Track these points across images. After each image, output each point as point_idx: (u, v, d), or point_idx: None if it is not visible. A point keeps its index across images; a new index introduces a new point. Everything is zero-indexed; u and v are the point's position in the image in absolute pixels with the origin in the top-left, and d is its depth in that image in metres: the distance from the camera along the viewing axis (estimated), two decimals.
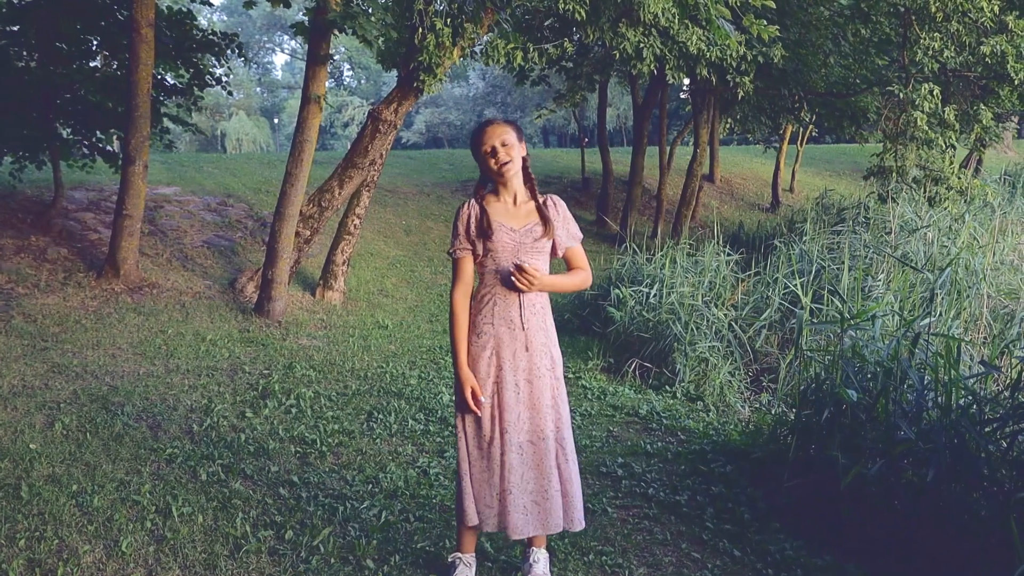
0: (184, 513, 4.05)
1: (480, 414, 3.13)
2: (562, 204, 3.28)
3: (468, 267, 3.19)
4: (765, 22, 6.09)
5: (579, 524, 3.25)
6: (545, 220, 3.18)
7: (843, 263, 6.49)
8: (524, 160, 3.21)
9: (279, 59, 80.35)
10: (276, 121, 64.83)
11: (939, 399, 4.08)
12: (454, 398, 3.37)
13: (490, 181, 3.22)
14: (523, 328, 3.13)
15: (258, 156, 21.70)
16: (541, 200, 3.24)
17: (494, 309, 3.14)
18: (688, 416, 6.24)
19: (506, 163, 3.11)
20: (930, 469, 3.67)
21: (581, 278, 3.31)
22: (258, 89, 69.60)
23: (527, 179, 3.24)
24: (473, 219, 3.16)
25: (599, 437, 5.62)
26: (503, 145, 3.11)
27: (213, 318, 8.32)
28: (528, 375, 3.13)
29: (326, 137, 60.86)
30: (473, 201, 3.21)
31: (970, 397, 4.06)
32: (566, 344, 8.52)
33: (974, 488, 3.72)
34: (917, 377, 4.14)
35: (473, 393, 3.11)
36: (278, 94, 70.40)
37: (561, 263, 3.37)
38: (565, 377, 7.15)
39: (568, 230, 3.29)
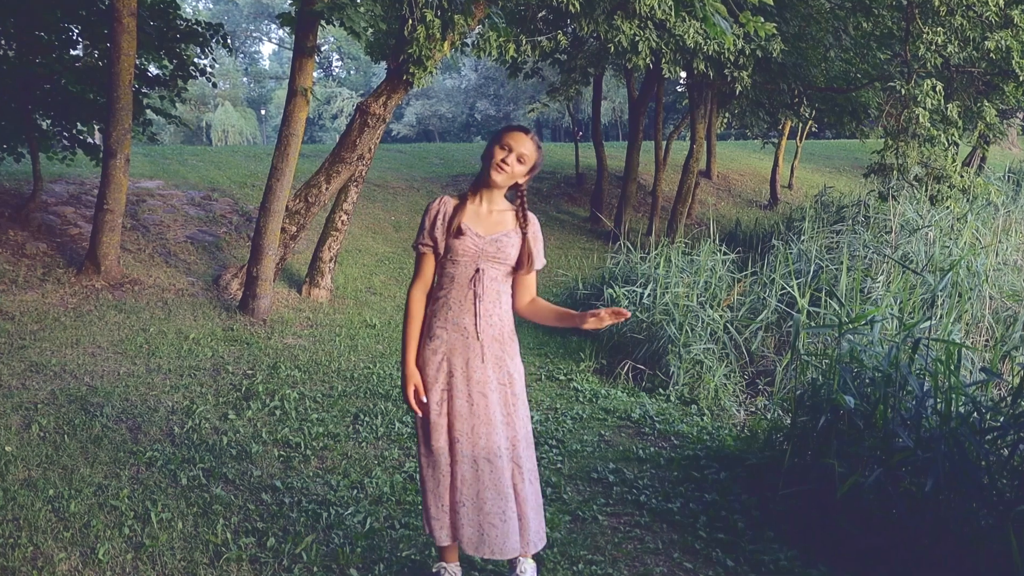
0: (163, 519, 4.03)
1: (420, 414, 3.11)
2: (537, 225, 3.26)
3: (429, 265, 3.17)
4: (763, 19, 6.07)
5: (534, 547, 3.23)
6: (523, 233, 3.17)
7: (842, 264, 6.49)
8: (521, 186, 3.20)
9: (266, 48, 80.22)
10: (263, 112, 64.65)
11: (939, 406, 4.08)
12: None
13: (481, 180, 3.19)
14: (477, 338, 3.10)
15: (244, 149, 21.63)
16: (523, 215, 3.22)
17: (448, 314, 3.11)
18: (682, 420, 6.23)
19: (505, 170, 3.08)
20: (929, 478, 3.67)
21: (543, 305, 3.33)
22: (245, 79, 69.34)
23: (519, 204, 3.22)
24: (442, 216, 3.14)
25: (590, 441, 5.61)
26: (520, 159, 3.09)
27: (196, 316, 8.29)
28: (481, 387, 3.10)
29: (314, 129, 60.74)
30: (447, 197, 3.19)
31: (970, 404, 4.07)
32: (558, 344, 8.52)
33: (974, 498, 3.72)
34: (916, 384, 4.14)
35: (416, 392, 3.09)
36: (265, 84, 70.19)
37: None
38: (556, 378, 7.23)
39: (538, 252, 3.26)
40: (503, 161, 3.08)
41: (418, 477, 3.20)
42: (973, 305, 7.23)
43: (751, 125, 19.17)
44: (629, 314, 3.13)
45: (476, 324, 3.09)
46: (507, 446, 3.15)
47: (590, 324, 3.08)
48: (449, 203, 3.16)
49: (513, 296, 3.27)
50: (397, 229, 13.98)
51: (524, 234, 3.18)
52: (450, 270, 3.13)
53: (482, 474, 3.09)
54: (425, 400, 3.10)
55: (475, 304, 3.10)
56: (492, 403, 3.10)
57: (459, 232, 3.09)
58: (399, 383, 6.72)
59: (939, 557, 3.69)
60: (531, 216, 3.24)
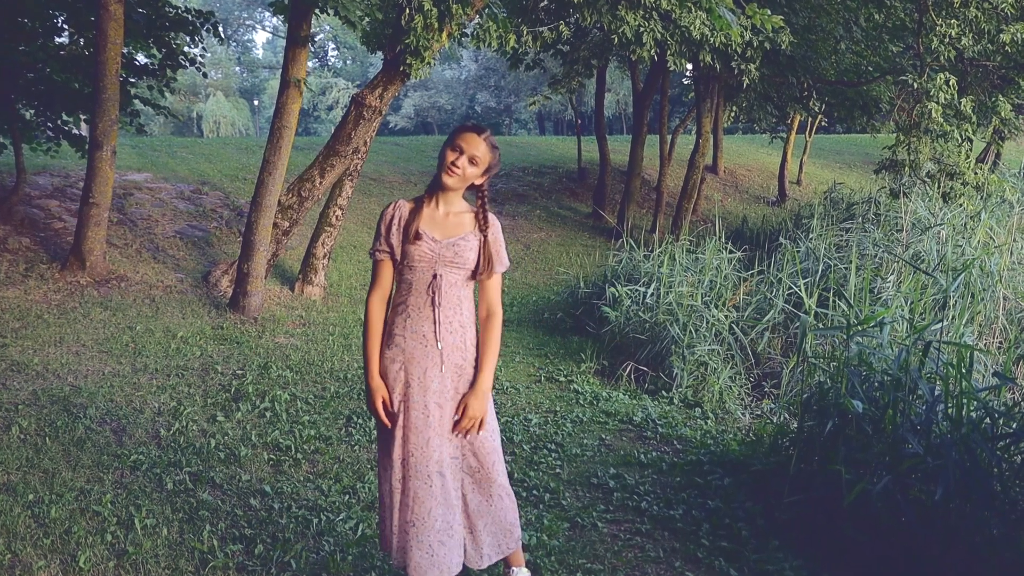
0: (147, 525, 4.02)
1: (389, 424, 3.09)
2: (498, 226, 3.22)
3: (387, 272, 3.15)
4: (769, 11, 6.05)
5: (488, 559, 3.20)
6: (483, 236, 3.13)
7: (851, 263, 6.48)
8: (481, 187, 3.15)
9: (260, 37, 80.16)
10: (256, 103, 64.58)
11: (950, 412, 4.07)
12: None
13: (435, 182, 3.15)
14: (437, 346, 3.07)
15: (236, 140, 21.62)
16: (482, 215, 3.17)
17: (406, 322, 3.08)
18: (685, 424, 6.22)
19: (456, 173, 3.04)
20: (939, 486, 3.66)
21: (496, 334, 3.18)
22: (237, 68, 69.27)
23: (480, 204, 3.18)
24: (398, 220, 3.11)
25: (590, 445, 5.60)
26: (472, 160, 3.05)
27: (184, 314, 8.28)
28: (438, 398, 3.06)
29: (309, 121, 60.71)
30: (402, 201, 3.16)
31: (983, 410, 4.05)
32: (558, 345, 8.51)
33: (985, 506, 3.71)
34: (927, 388, 4.13)
35: (384, 403, 3.08)
36: (258, 74, 70.10)
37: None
38: (556, 380, 7.23)
39: (498, 254, 3.19)
40: (453, 164, 3.04)
41: (381, 491, 3.16)
42: (986, 306, 7.21)
43: (759, 119, 19.16)
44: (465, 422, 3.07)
45: (436, 331, 3.06)
46: (458, 455, 3.12)
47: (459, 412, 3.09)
48: (404, 207, 3.13)
49: None
50: None
51: (484, 237, 3.14)
52: (408, 276, 3.11)
53: (434, 489, 3.05)
54: (393, 410, 3.08)
55: (434, 311, 3.07)
56: (447, 413, 3.08)
57: (415, 237, 3.06)
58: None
59: (949, 567, 3.68)
60: (492, 218, 3.19)
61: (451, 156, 3.05)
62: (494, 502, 3.20)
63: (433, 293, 3.06)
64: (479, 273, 3.13)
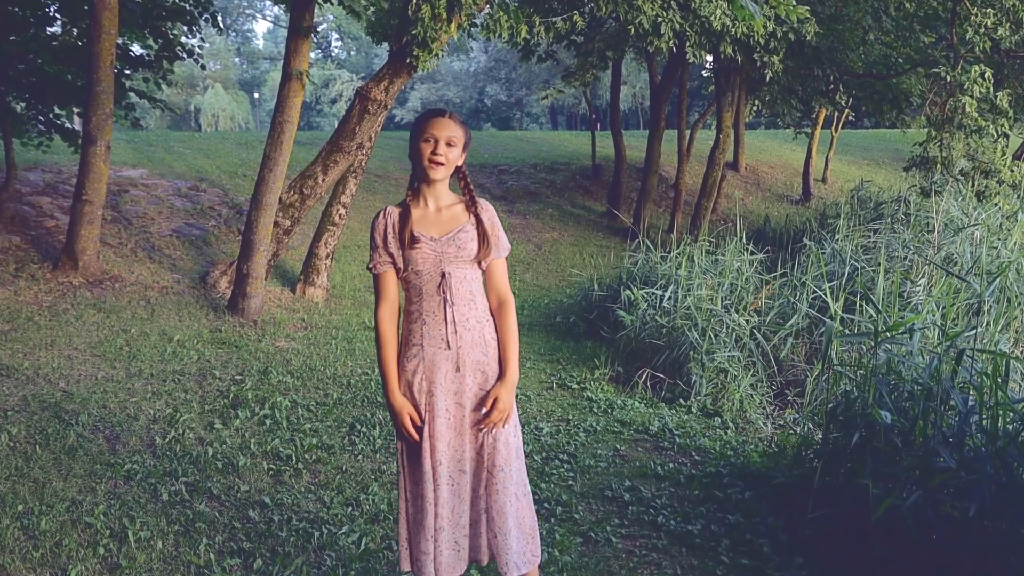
0: (142, 538, 4.03)
1: (416, 439, 3.08)
2: (491, 210, 3.23)
3: (391, 283, 3.15)
4: (794, 1, 6.03)
5: (517, 569, 3.13)
6: (479, 222, 3.13)
7: (879, 265, 6.45)
8: (461, 168, 3.17)
9: (260, 27, 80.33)
10: (256, 96, 64.84)
11: (984, 423, 4.04)
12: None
13: (418, 179, 3.16)
14: (454, 347, 3.07)
15: (235, 135, 21.70)
16: (471, 202, 3.18)
17: (423, 328, 3.09)
18: (704, 434, 6.21)
19: (439, 162, 3.05)
20: (972, 502, 3.64)
21: (512, 323, 3.20)
22: (236, 60, 69.58)
23: (465, 189, 3.20)
24: (391, 228, 3.12)
25: (604, 456, 5.59)
26: (447, 144, 3.06)
27: (181, 316, 8.31)
28: (458, 397, 3.09)
29: (311, 115, 60.86)
30: (391, 208, 3.17)
31: (1019, 422, 4.03)
32: (570, 350, 8.51)
33: (1021, 524, 3.69)
34: (959, 398, 4.11)
35: (412, 419, 3.07)
36: (259, 65, 70.36)
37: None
38: (569, 387, 7.23)
39: (497, 239, 3.20)
40: (434, 153, 3.05)
41: (399, 510, 3.15)
42: (1023, 312, 7.17)
43: (782, 113, 19.11)
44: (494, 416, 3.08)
45: (455, 331, 3.08)
46: (482, 452, 3.12)
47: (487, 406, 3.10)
48: (394, 213, 3.14)
49: None
50: None
51: (480, 222, 3.15)
52: (415, 282, 3.11)
53: (457, 488, 3.09)
54: (421, 423, 3.08)
55: (446, 310, 3.08)
56: (467, 412, 3.10)
57: (413, 241, 3.07)
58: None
59: None
60: (484, 202, 3.21)
61: (428, 148, 3.06)
62: (520, 500, 3.20)
63: (445, 293, 3.07)
64: (480, 261, 3.14)
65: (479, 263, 3.15)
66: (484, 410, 3.09)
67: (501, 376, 3.13)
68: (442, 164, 3.06)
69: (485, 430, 3.10)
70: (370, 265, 3.17)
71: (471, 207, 3.17)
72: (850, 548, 4.14)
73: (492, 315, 3.20)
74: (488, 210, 3.21)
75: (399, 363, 3.13)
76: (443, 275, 3.08)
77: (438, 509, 3.06)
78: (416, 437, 3.07)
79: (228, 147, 16.91)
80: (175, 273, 9.46)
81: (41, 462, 4.84)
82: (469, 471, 3.10)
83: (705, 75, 28.78)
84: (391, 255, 3.12)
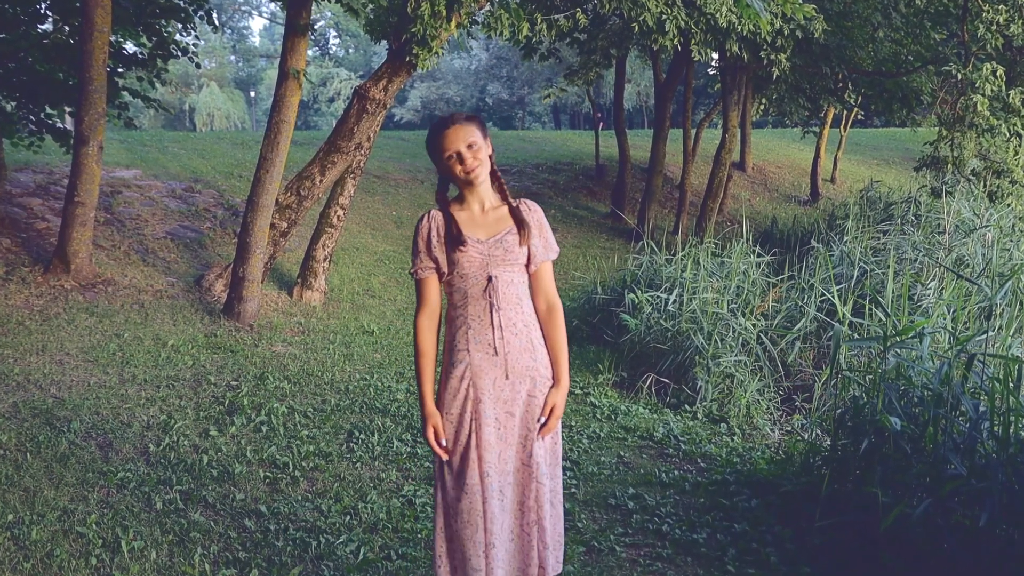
0: (135, 548, 4.04)
1: (444, 458, 3.06)
2: (539, 211, 3.21)
3: (433, 288, 3.13)
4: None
5: (552, 572, 3.18)
6: (520, 223, 3.11)
7: (889, 268, 6.46)
8: (490, 159, 3.14)
9: (256, 24, 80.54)
10: (252, 94, 64.85)
11: (996, 430, 4.04)
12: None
13: (453, 184, 3.15)
14: (502, 353, 3.06)
15: (231, 135, 21.72)
16: (515, 204, 3.17)
17: (468, 333, 3.07)
18: (709, 440, 6.22)
19: (475, 169, 3.04)
20: (984, 510, 3.64)
21: (561, 327, 3.21)
22: (232, 58, 69.64)
23: (494, 179, 3.17)
24: (436, 231, 3.09)
25: (608, 463, 5.60)
26: (469, 148, 3.03)
27: (176, 320, 8.31)
28: (508, 406, 3.06)
29: (309, 114, 60.94)
30: (435, 211, 3.14)
31: None
32: (573, 355, 8.50)
33: None
34: (971, 404, 4.11)
35: (436, 435, 3.05)
36: (255, 63, 70.45)
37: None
38: (571, 392, 7.21)
39: (545, 241, 3.19)
40: (462, 166, 3.03)
41: (437, 528, 3.11)
42: None
43: (790, 112, 19.11)
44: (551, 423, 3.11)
45: (501, 336, 3.06)
46: (529, 463, 3.10)
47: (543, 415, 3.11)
48: (438, 216, 3.11)
49: None
50: (399, 225, 14.00)
51: (526, 225, 3.13)
52: (460, 285, 3.09)
53: (507, 502, 3.06)
54: (444, 443, 3.06)
55: (493, 315, 3.06)
56: (518, 421, 3.08)
57: (460, 243, 3.05)
58: (398, 396, 6.74)
59: None
60: (527, 204, 3.19)
61: (455, 166, 3.04)
62: (556, 508, 3.20)
63: (491, 297, 3.06)
64: (529, 264, 3.14)
65: (526, 266, 3.15)
66: (541, 419, 3.08)
67: (555, 383, 3.14)
68: (474, 170, 3.04)
69: (535, 439, 3.09)
70: (412, 270, 3.15)
71: (513, 206, 3.16)
72: (859, 557, 4.15)
73: (538, 319, 3.19)
74: (535, 211, 3.19)
75: (444, 370, 3.11)
76: (489, 279, 3.06)
77: (487, 523, 3.02)
78: (440, 452, 3.05)
79: (224, 147, 16.93)
80: (169, 276, 9.47)
81: (32, 470, 4.85)
82: (516, 482, 3.08)
83: (711, 73, 28.81)
84: (434, 259, 3.09)
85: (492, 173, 3.16)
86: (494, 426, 3.05)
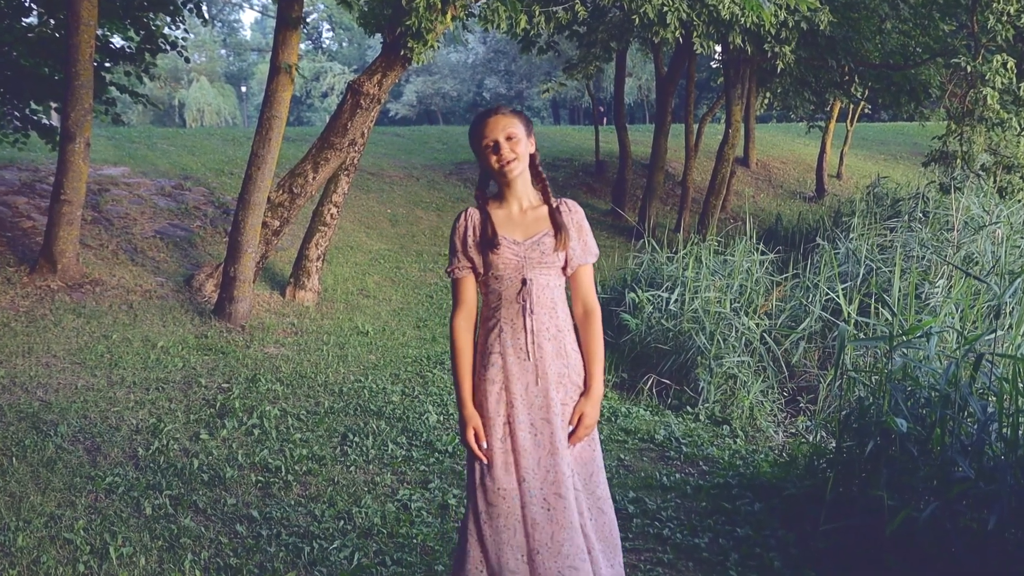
0: (124, 554, 4.04)
1: (485, 461, 3.04)
2: (579, 211, 3.18)
3: (470, 288, 3.12)
4: None
5: None
6: (557, 227, 3.08)
7: (896, 266, 6.46)
8: (533, 157, 3.13)
9: (247, 17, 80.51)
10: (244, 89, 64.87)
11: (1004, 431, 4.06)
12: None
13: (492, 181, 3.14)
14: (534, 358, 3.04)
15: (221, 131, 21.73)
16: (555, 204, 3.14)
17: (501, 336, 3.06)
18: (712, 443, 6.22)
19: (510, 161, 3.02)
20: (992, 513, 3.65)
21: (598, 334, 3.17)
22: (223, 52, 69.64)
23: (537, 179, 3.16)
24: (472, 230, 3.09)
25: (608, 467, 5.59)
26: (508, 139, 3.02)
27: (165, 321, 8.32)
28: (544, 412, 3.03)
29: (301, 109, 60.93)
30: (472, 209, 3.13)
31: None
32: None
33: None
34: (978, 405, 4.11)
35: (476, 437, 3.04)
36: (246, 57, 70.45)
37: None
38: None
39: (584, 243, 3.16)
40: (500, 157, 3.03)
41: (468, 531, 3.07)
42: None
43: (795, 106, 19.15)
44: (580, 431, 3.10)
45: (533, 341, 3.04)
46: (570, 474, 3.06)
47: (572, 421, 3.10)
48: (475, 215, 3.11)
49: None
50: (394, 223, 14.01)
51: (564, 226, 3.10)
52: (495, 287, 3.09)
53: (555, 512, 3.00)
54: (486, 445, 3.04)
55: (525, 319, 3.04)
56: (556, 428, 3.03)
57: (494, 245, 3.04)
58: (393, 398, 6.74)
59: None
60: (568, 204, 3.16)
61: (492, 156, 3.03)
62: (605, 516, 3.17)
63: (524, 300, 3.05)
64: (567, 267, 3.12)
65: (564, 269, 3.13)
66: (570, 427, 3.07)
67: (585, 390, 3.11)
68: (512, 161, 3.02)
69: (571, 448, 3.07)
70: (448, 269, 3.14)
71: (552, 204, 3.13)
72: (864, 562, 4.15)
73: (575, 324, 3.17)
74: (575, 212, 3.16)
75: (477, 372, 3.10)
76: (524, 281, 3.05)
77: (529, 529, 2.99)
78: (480, 455, 3.03)
79: (214, 143, 16.93)
80: (159, 276, 9.47)
81: (18, 475, 4.86)
82: (569, 496, 3.02)
83: (714, 66, 28.80)
84: (471, 259, 3.09)
85: (535, 172, 3.15)
86: (530, 432, 3.02)
